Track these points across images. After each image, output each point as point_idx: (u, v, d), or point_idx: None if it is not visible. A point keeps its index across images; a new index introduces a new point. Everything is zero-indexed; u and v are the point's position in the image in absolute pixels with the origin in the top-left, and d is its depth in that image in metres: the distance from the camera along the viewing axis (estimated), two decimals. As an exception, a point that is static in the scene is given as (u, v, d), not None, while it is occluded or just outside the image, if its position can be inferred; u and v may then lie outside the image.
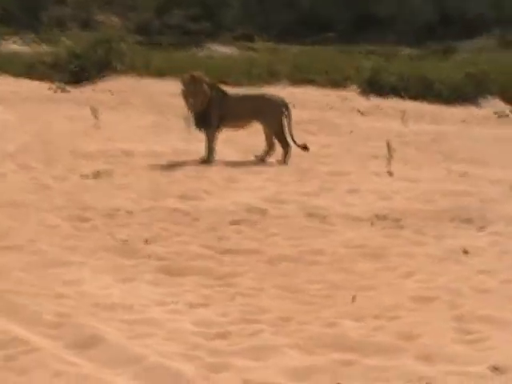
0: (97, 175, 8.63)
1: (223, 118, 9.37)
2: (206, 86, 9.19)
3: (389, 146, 9.00)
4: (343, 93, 18.72)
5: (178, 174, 8.90)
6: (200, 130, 9.52)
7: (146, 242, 6.22)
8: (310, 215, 7.11)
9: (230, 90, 9.92)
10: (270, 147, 9.56)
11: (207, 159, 9.40)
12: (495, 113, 15.57)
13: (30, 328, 4.53)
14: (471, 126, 13.66)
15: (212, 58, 27.65)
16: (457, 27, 32.28)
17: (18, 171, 8.97)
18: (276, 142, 9.55)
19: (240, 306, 4.89)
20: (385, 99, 17.80)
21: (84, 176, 8.62)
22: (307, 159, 9.66)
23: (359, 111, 15.92)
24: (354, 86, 19.10)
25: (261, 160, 9.50)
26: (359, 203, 7.56)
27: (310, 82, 20.05)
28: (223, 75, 19.33)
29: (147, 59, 22.07)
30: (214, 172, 8.95)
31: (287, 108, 9.47)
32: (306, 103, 16.33)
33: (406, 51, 28.92)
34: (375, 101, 17.64)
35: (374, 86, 18.37)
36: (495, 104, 16.45)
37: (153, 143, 10.89)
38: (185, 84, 9.28)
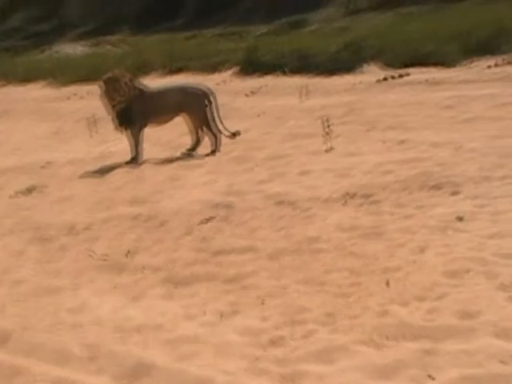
0: (30, 191, 8.05)
1: (146, 115, 8.94)
2: (125, 83, 8.73)
3: (323, 122, 8.86)
4: (222, 75, 18.52)
5: (115, 179, 8.43)
6: (123, 129, 9.06)
7: (128, 253, 5.82)
8: (279, 203, 6.86)
9: (150, 84, 9.45)
10: (199, 139, 9.22)
11: (135, 159, 8.98)
12: (378, 80, 15.65)
13: (63, 366, 4.10)
14: (371, 93, 13.68)
15: (68, 57, 26.89)
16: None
17: None
18: (203, 132, 9.22)
19: (275, 308, 4.61)
20: (266, 77, 17.69)
21: (17, 193, 8.03)
22: (234, 146, 9.39)
23: (251, 92, 15.72)
24: (233, 69, 18.91)
25: (188, 155, 9.15)
26: (320, 184, 7.37)
27: (182, 69, 19.79)
28: (93, 72, 18.80)
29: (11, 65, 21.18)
30: (151, 172, 8.54)
31: (210, 95, 9.11)
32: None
33: (260, 29, 29.04)
34: (259, 80, 17.47)
35: (253, 66, 18.21)
36: (372, 70, 16.54)
37: (65, 151, 10.34)
38: (104, 83, 8.79)
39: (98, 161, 9.45)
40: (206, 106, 9.00)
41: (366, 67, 16.52)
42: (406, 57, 16.29)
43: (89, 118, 11.80)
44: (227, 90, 16.37)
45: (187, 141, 9.54)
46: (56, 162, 9.63)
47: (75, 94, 18.52)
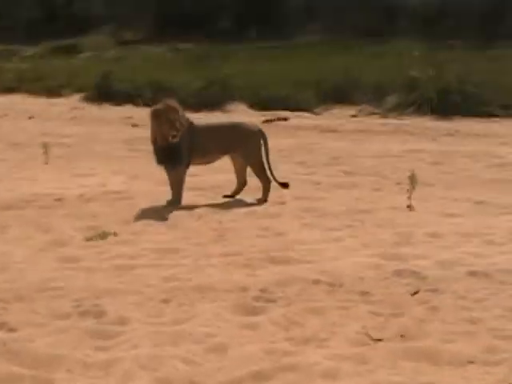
0: (103, 236, 6.61)
1: (192, 153, 7.95)
2: (181, 115, 7.70)
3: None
4: (67, 100, 17.15)
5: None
6: (166, 167, 7.96)
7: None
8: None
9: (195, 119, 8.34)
10: (243, 183, 8.38)
11: (175, 202, 7.89)
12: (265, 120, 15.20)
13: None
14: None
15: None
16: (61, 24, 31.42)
17: None
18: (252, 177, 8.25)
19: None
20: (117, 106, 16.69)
21: (88, 239, 6.53)
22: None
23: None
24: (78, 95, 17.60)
25: (231, 197, 8.26)
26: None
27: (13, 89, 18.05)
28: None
29: None
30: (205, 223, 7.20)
31: (264, 136, 8.33)
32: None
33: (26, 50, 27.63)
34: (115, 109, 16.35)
35: (104, 93, 17.17)
36: (241, 109, 16.28)
37: (45, 184, 8.76)
38: (159, 113, 7.65)
39: (108, 197, 8.14)
40: (260, 147, 8.18)
41: (234, 105, 16.22)
42: (268, 99, 16.25)
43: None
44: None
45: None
46: (41, 198, 8.08)
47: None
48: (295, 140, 12.21)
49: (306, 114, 15.63)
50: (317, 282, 5.28)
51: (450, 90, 15.16)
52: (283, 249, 6.09)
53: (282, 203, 7.85)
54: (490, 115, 14.59)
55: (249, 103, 16.50)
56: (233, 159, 8.23)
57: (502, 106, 14.88)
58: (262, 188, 8.11)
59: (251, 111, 16.09)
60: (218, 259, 5.86)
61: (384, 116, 15.23)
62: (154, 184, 8.62)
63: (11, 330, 4.46)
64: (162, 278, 5.38)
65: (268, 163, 8.13)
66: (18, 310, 4.79)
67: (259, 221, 7.13)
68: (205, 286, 5.19)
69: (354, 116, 15.55)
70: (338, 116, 15.60)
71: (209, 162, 8.18)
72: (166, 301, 4.94)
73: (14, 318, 4.64)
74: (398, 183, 8.49)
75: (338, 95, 16.37)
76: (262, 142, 8.12)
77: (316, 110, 16.09)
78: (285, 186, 8.17)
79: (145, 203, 7.78)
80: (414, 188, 7.43)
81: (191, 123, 7.84)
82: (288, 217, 7.28)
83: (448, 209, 7.45)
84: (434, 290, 5.10)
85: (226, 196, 8.23)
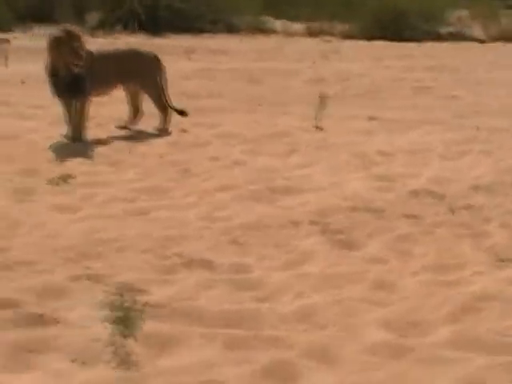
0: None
1: (92, 83, 7.15)
2: (83, 42, 6.94)
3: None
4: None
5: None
6: (70, 99, 7.15)
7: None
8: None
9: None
10: (139, 112, 7.70)
11: (80, 137, 7.09)
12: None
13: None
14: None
15: None
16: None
17: None
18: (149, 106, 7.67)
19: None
20: None
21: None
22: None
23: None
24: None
25: (125, 128, 7.59)
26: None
27: None
28: None
29: None
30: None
31: (160, 63, 7.65)
32: None
33: None
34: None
35: None
36: None
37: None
38: (60, 41, 6.80)
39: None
40: (157, 74, 7.62)
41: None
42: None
43: None
44: None
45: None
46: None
47: None
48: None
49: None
50: (354, 208, 5.12)
51: (158, 5, 15.01)
52: (269, 179, 5.82)
53: (184, 131, 7.44)
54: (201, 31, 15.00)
55: None
56: (125, 87, 7.70)
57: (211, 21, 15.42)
58: (161, 117, 7.67)
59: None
60: (224, 196, 5.44)
61: (91, 35, 13.97)
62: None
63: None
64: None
65: (165, 91, 7.70)
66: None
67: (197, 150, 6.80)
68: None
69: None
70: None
71: (106, 93, 7.63)
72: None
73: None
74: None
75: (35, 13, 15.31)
76: (157, 68, 7.69)
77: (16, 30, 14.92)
78: (183, 113, 7.77)
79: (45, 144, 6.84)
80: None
81: (89, 51, 7.13)
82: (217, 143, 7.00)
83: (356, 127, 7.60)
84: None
85: (118, 127, 7.67)
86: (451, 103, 9.24)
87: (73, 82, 6.91)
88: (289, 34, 18.26)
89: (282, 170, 6.01)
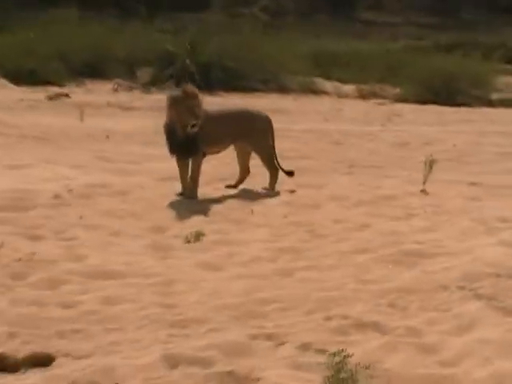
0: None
1: (205, 142, 7.34)
2: (200, 101, 7.14)
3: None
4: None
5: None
6: (186, 158, 7.33)
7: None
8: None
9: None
10: (246, 172, 7.83)
11: (192, 195, 7.27)
12: (48, 96, 14.32)
13: None
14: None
15: None
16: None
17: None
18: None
19: None
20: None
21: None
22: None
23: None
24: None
25: (234, 187, 7.75)
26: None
27: None
28: None
29: None
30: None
31: (271, 123, 7.85)
32: None
33: None
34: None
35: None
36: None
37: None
38: (178, 100, 7.10)
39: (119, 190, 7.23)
40: (269, 135, 7.79)
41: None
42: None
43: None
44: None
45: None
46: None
47: None
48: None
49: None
50: (498, 275, 5.02)
51: (210, 64, 15.33)
52: (399, 242, 5.79)
53: (293, 192, 7.48)
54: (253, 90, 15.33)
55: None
56: (237, 147, 7.86)
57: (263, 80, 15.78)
58: (269, 176, 7.79)
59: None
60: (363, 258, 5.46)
61: (142, 91, 15.07)
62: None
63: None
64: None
65: (274, 151, 7.86)
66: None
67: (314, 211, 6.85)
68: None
69: (115, 90, 15.29)
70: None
71: (219, 152, 7.83)
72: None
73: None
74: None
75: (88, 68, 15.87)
76: (269, 129, 7.85)
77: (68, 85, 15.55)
78: (290, 174, 7.90)
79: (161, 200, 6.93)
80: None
81: (206, 112, 7.34)
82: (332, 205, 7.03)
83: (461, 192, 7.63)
84: None
85: (228, 186, 7.81)
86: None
87: (188, 141, 7.04)
88: (340, 95, 18.65)
89: (408, 234, 6.02)
